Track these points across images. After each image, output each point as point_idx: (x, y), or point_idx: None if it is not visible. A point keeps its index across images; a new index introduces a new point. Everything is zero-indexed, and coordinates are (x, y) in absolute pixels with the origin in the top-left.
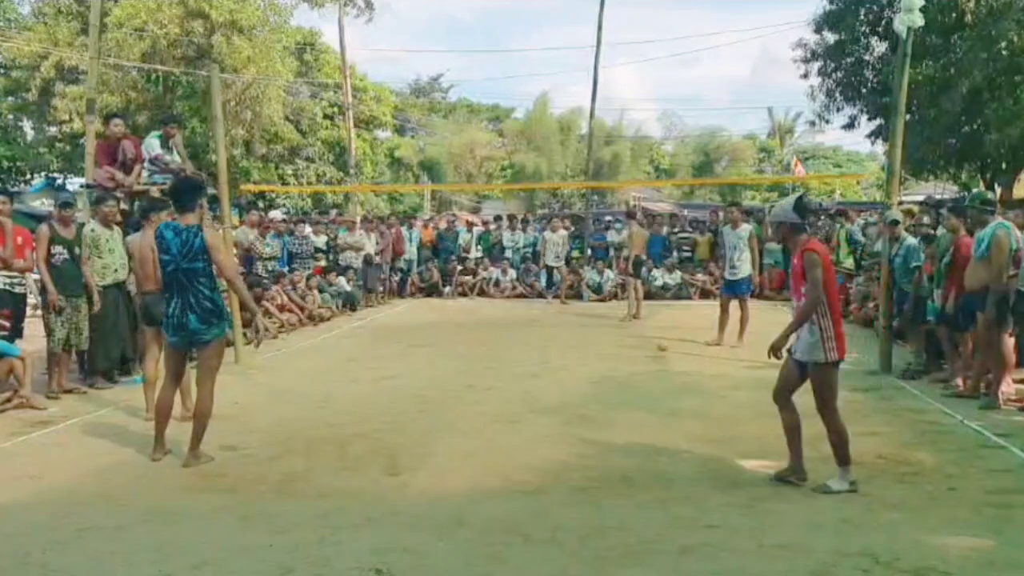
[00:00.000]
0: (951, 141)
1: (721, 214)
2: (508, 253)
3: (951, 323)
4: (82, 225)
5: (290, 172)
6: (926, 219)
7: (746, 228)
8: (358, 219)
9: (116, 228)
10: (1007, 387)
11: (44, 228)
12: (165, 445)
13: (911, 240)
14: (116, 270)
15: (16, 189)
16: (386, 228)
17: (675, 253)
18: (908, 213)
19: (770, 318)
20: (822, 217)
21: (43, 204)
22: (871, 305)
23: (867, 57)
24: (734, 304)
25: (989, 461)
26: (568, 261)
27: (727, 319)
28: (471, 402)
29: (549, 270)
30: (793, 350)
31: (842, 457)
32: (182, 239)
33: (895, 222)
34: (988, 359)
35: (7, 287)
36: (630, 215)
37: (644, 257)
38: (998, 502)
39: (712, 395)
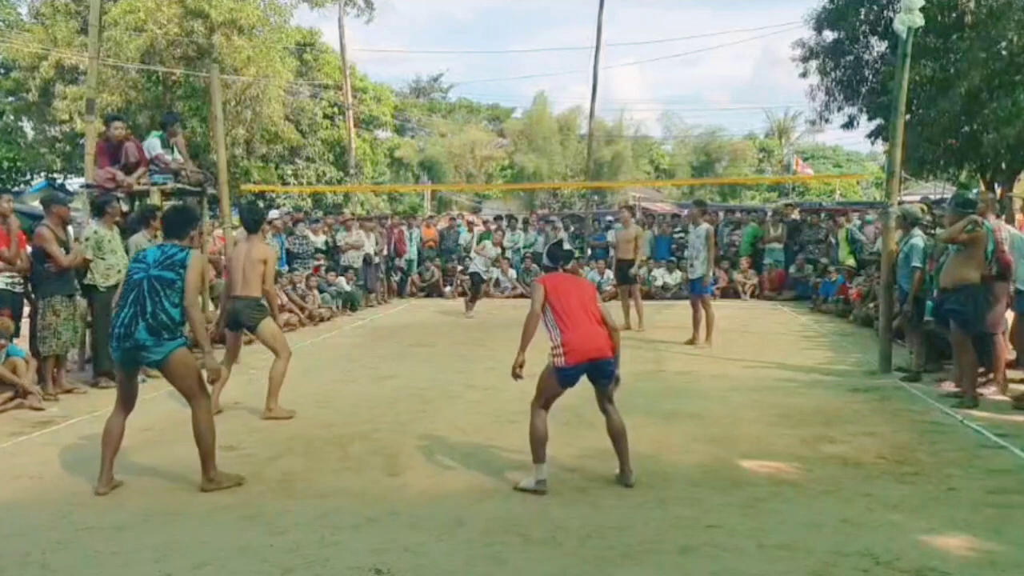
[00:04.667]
0: (951, 141)
1: (721, 214)
2: (508, 253)
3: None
4: (67, 223)
5: (290, 172)
6: (926, 219)
7: (704, 227)
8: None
9: (116, 229)
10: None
11: (46, 231)
12: (113, 476)
13: (917, 240)
14: (119, 271)
15: (16, 189)
16: (385, 228)
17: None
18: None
19: (771, 318)
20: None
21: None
22: (871, 305)
23: (866, 56)
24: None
25: (989, 461)
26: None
27: (698, 317)
28: (471, 402)
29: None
30: None
31: None
32: (164, 251)
33: (916, 220)
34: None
35: (7, 287)
36: (629, 209)
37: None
38: (998, 502)
39: (712, 395)
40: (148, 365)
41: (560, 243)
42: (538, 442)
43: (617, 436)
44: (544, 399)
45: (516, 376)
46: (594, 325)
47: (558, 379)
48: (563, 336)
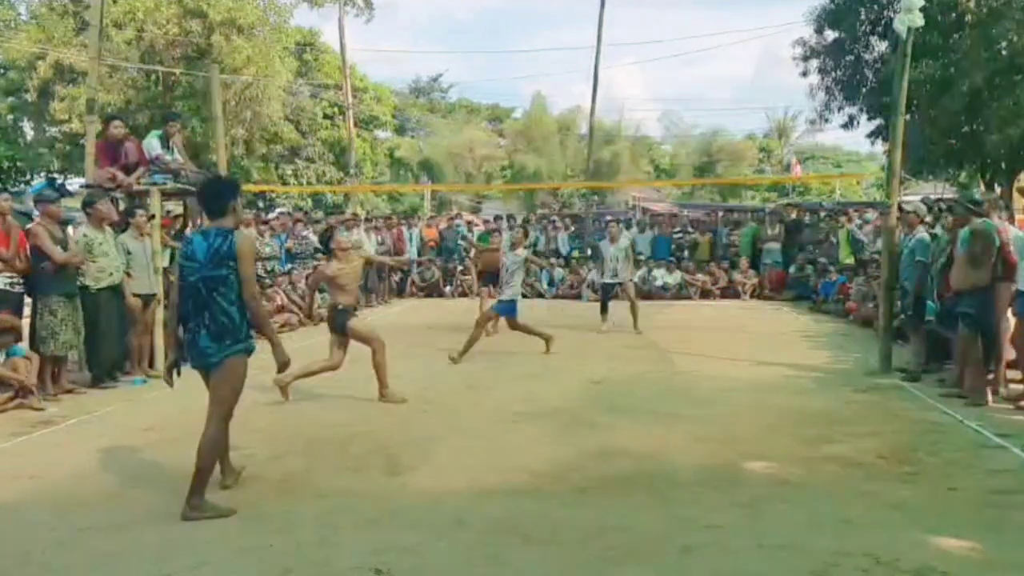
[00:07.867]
0: (951, 141)
1: (720, 214)
2: None
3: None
4: (67, 222)
5: (290, 172)
6: (927, 218)
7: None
8: (361, 218)
9: (108, 230)
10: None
11: (40, 229)
12: (235, 470)
13: (924, 235)
14: (111, 273)
15: (16, 189)
16: (385, 228)
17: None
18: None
19: (771, 318)
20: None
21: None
22: (871, 305)
23: (867, 56)
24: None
25: (989, 461)
26: (569, 261)
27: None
28: (471, 402)
29: (607, 289)
30: None
31: None
32: (209, 242)
33: (914, 213)
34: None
35: (7, 286)
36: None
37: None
38: (998, 502)
39: (712, 395)
40: (208, 369)
41: None
42: None
43: None
44: None
45: None
46: None
47: None
48: None
